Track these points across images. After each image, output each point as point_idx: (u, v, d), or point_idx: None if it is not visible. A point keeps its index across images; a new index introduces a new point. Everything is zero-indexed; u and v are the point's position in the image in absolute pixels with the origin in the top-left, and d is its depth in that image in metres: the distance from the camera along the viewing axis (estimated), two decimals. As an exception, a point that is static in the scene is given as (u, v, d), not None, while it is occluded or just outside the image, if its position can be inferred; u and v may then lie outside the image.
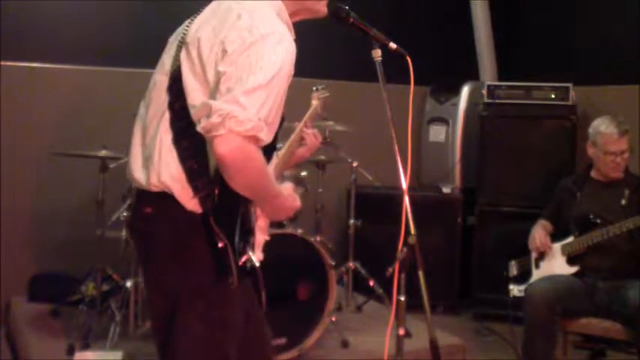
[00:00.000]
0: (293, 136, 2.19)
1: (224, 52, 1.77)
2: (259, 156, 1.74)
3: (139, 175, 1.90)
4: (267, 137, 1.74)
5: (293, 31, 1.95)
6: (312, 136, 2.23)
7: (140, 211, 1.93)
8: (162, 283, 1.94)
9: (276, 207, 1.95)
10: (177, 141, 1.82)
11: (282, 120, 1.94)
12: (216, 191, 1.79)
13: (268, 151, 1.89)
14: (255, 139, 1.70)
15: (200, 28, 1.88)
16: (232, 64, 1.74)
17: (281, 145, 2.18)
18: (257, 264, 1.86)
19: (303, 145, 2.23)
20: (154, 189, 1.86)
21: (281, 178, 2.17)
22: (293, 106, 2.13)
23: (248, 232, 1.88)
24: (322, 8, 2.01)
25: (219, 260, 1.79)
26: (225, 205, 1.80)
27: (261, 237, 1.96)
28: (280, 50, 1.76)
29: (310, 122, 2.25)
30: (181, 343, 1.89)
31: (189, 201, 1.81)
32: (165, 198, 1.84)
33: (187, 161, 1.81)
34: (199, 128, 1.71)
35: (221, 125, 1.66)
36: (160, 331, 1.98)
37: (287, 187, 2.01)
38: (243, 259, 1.83)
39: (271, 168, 1.98)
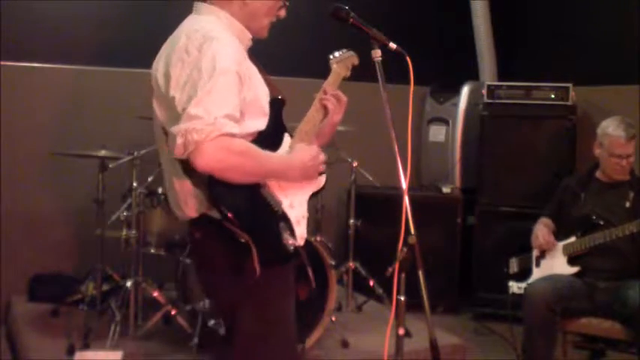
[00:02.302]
0: (312, 108, 2.17)
1: (168, 76, 1.86)
2: (238, 143, 1.81)
3: (177, 211, 2.02)
4: (246, 126, 1.85)
5: (248, 33, 2.02)
6: (334, 100, 2.17)
7: (191, 238, 2.05)
8: (223, 295, 2.05)
9: (300, 170, 1.98)
10: (185, 168, 1.90)
11: (278, 102, 2.01)
12: (214, 196, 1.84)
13: (271, 134, 1.97)
14: (223, 135, 1.76)
15: (159, 58, 1.97)
16: (178, 89, 1.83)
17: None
18: (297, 243, 1.94)
19: (327, 114, 2.18)
20: (193, 215, 1.96)
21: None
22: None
23: (275, 217, 1.93)
24: (264, 32, 2.06)
25: (239, 256, 1.85)
26: (234, 202, 1.85)
27: (297, 214, 1.99)
28: (214, 53, 1.82)
29: (331, 88, 2.20)
30: (240, 344, 1.98)
31: (211, 210, 1.89)
32: (203, 219, 1.93)
33: (194, 177, 1.90)
34: (173, 157, 1.81)
35: (187, 143, 1.75)
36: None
37: (297, 147, 2.02)
38: (289, 242, 1.91)
39: (282, 150, 2.02)
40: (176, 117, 1.82)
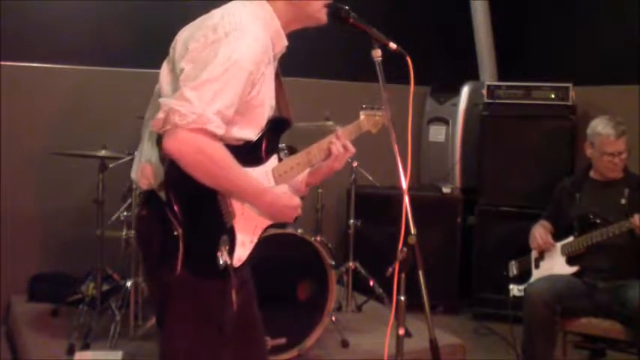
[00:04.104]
0: (316, 145, 2.11)
1: (186, 49, 1.82)
2: (213, 148, 1.75)
3: (133, 174, 1.96)
4: (236, 131, 1.80)
5: (284, 38, 1.96)
6: (340, 147, 2.10)
7: (139, 213, 1.98)
8: (155, 282, 1.99)
9: (268, 205, 1.91)
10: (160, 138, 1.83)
11: (281, 122, 1.97)
12: (168, 178, 1.79)
13: (258, 149, 1.92)
14: (203, 132, 1.72)
15: (183, 31, 1.94)
16: (191, 62, 1.78)
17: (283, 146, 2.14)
18: (228, 262, 1.82)
19: (329, 157, 2.11)
20: (143, 185, 1.91)
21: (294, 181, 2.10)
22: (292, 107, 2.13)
23: (220, 227, 1.85)
24: (322, 16, 2.00)
25: (169, 249, 1.77)
26: (185, 193, 1.79)
27: (246, 237, 1.91)
28: (238, 45, 1.77)
29: (346, 135, 2.15)
30: (166, 340, 1.92)
31: (160, 190, 1.84)
32: (152, 197, 1.87)
33: (162, 151, 1.82)
34: (151, 127, 1.77)
35: (166, 121, 1.71)
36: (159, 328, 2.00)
37: (281, 187, 1.99)
38: (222, 258, 1.81)
39: (264, 168, 1.96)
40: (175, 88, 1.80)
